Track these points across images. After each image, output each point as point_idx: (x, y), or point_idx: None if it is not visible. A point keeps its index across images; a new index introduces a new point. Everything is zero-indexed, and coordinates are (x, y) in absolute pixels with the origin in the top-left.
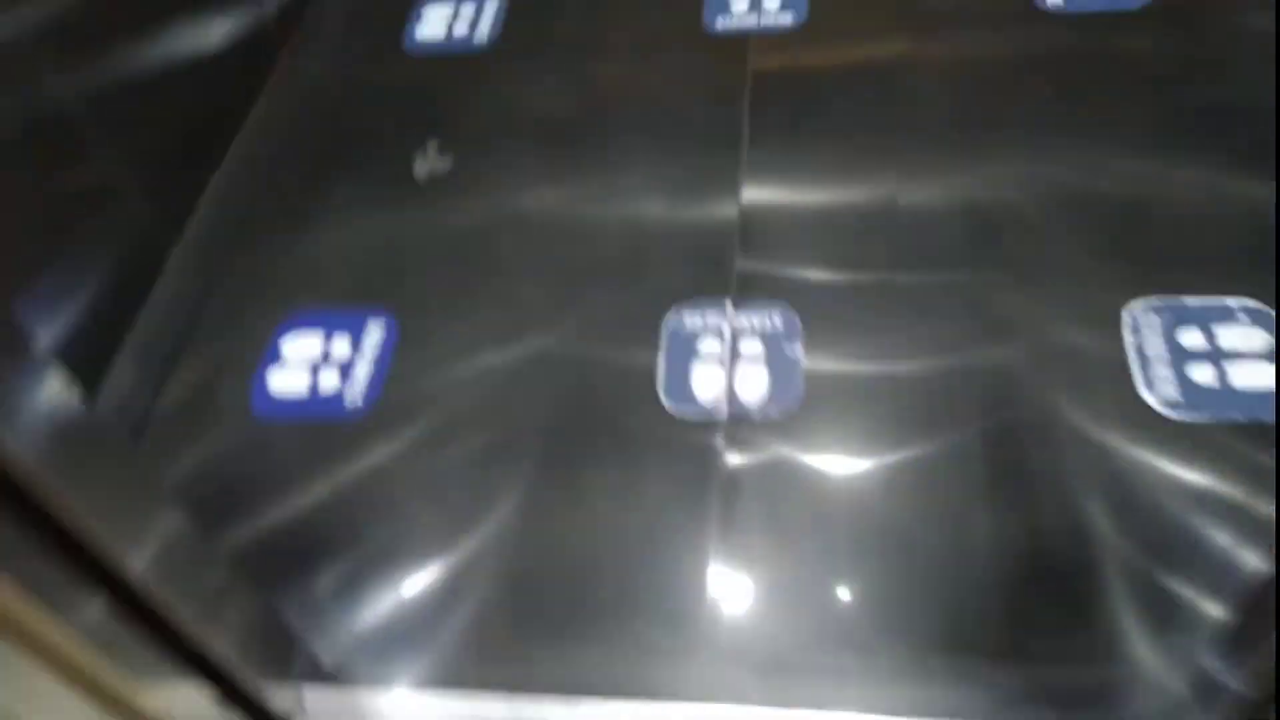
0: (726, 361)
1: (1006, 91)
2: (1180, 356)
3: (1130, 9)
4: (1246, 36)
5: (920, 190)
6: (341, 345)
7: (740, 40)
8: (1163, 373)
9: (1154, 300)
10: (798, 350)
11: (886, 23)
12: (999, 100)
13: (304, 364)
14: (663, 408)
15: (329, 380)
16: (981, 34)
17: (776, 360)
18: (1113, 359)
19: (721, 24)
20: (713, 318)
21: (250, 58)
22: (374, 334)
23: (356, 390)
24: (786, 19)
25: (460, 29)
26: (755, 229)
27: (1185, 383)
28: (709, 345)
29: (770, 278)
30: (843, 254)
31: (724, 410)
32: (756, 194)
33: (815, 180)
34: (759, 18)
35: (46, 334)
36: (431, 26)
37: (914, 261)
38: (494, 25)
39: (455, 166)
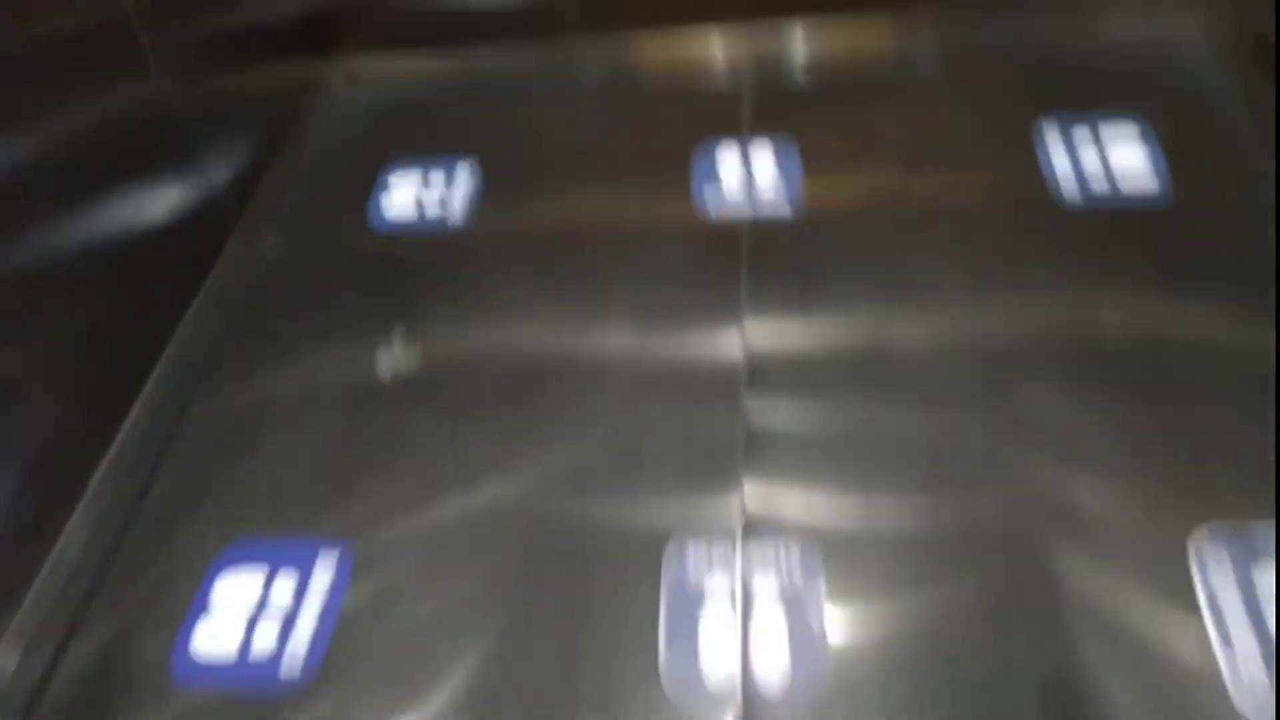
0: (739, 626)
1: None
2: (1259, 615)
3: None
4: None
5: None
6: (284, 588)
7: (735, 224)
8: (1245, 636)
9: (1218, 528)
10: (821, 604)
11: (886, 204)
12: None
13: (238, 613)
14: (664, 682)
15: (265, 637)
16: (992, 214)
17: (797, 626)
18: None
19: (716, 209)
20: (720, 549)
21: (196, 237)
22: (323, 572)
23: (297, 651)
24: (784, 210)
25: (429, 203)
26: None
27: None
28: (716, 598)
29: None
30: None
31: (739, 694)
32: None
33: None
34: (754, 208)
35: None
36: (398, 200)
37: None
38: (466, 200)
39: (424, 362)
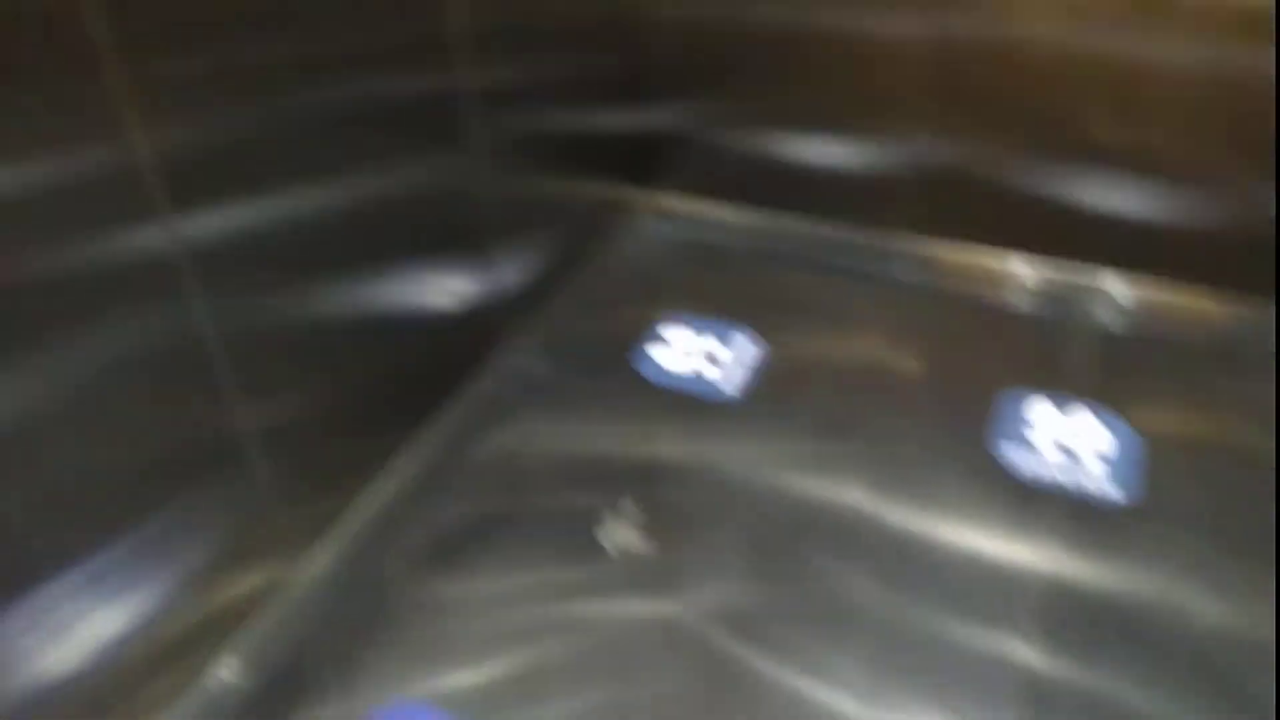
0: None
1: None
2: None
3: None
4: None
5: None
6: None
7: (1036, 480)
8: None
9: None
10: None
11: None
12: None
13: None
14: None
15: None
16: None
17: None
18: None
19: (1015, 460)
20: None
21: (466, 336)
22: None
23: None
24: (1116, 495)
25: (703, 362)
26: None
27: None
28: None
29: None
30: None
31: None
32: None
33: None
34: (1078, 478)
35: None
36: (673, 351)
37: None
38: (740, 367)
39: (658, 548)
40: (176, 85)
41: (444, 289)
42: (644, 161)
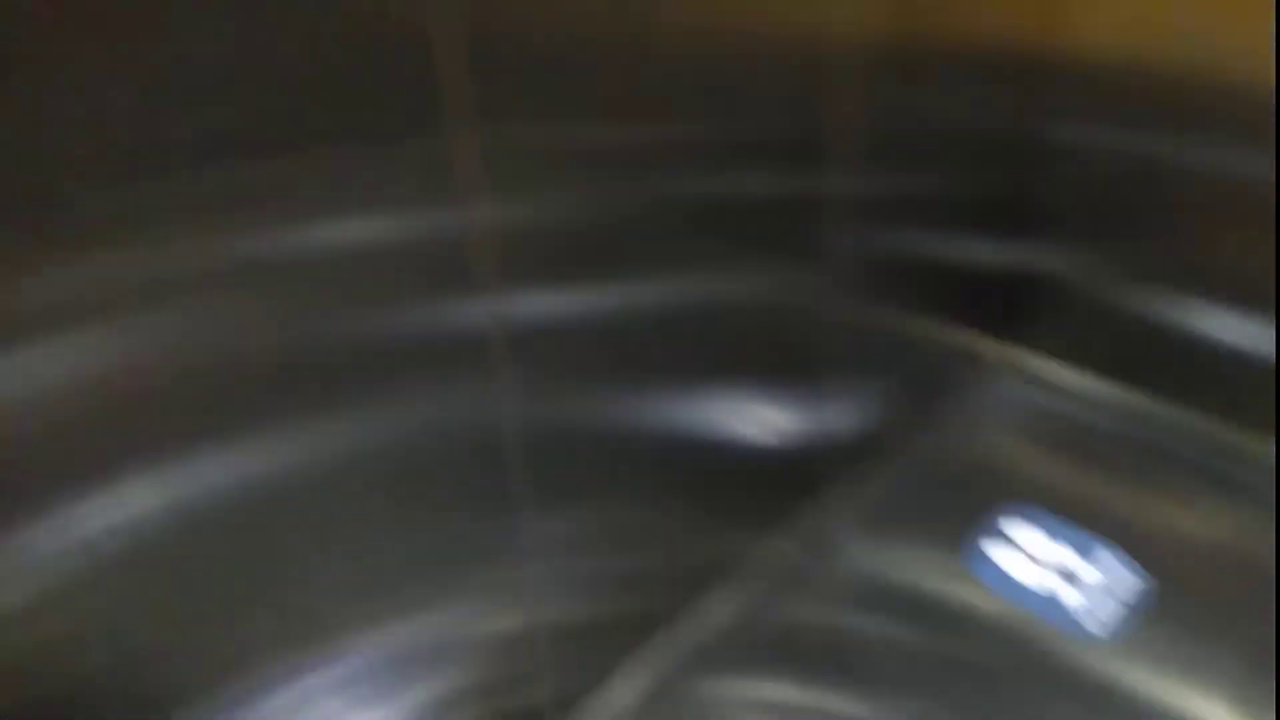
0: None
1: None
2: None
3: None
4: None
5: None
6: None
7: None
8: None
9: None
10: None
11: None
12: None
13: None
14: None
15: None
16: None
17: None
18: None
19: None
20: None
21: (775, 482)
22: None
23: None
24: None
25: (1048, 576)
26: None
27: None
28: None
29: None
30: None
31: None
32: None
33: None
34: None
35: None
36: (1012, 553)
37: None
38: (1099, 594)
39: None
40: (523, 158)
41: (761, 420)
42: (1014, 309)
